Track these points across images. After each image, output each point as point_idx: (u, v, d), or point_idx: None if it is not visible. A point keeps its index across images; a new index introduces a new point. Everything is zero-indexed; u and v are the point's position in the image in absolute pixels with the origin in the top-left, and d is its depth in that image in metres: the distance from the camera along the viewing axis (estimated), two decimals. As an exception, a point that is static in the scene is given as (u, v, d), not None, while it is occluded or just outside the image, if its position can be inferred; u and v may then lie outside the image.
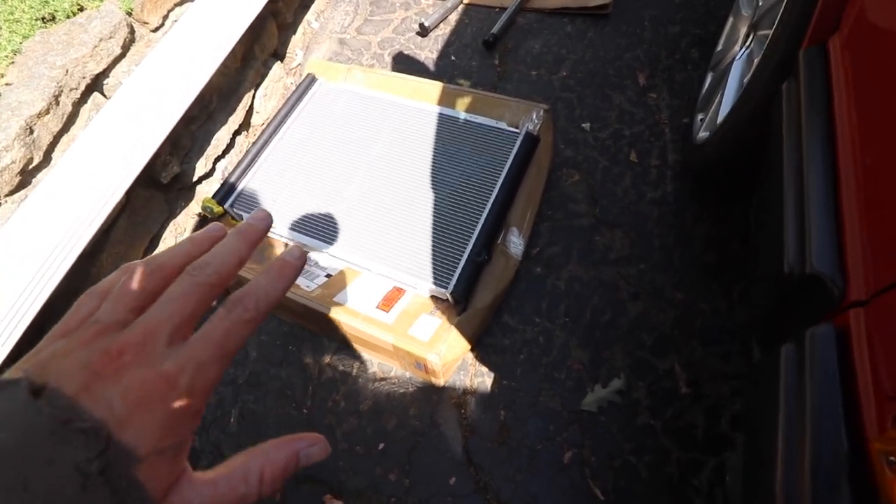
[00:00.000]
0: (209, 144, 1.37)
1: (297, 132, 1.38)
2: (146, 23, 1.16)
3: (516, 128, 1.30)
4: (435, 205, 1.20)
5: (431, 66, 1.72)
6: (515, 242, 1.22)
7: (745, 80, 0.98)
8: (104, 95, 1.10)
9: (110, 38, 1.07)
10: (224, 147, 1.43)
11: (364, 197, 1.25)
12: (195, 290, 0.20)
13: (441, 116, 1.33)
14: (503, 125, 1.28)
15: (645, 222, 1.32)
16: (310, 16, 1.89)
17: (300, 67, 1.79)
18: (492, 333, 1.18)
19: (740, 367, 1.11)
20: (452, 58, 1.73)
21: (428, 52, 1.76)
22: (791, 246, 0.62)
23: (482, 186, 1.21)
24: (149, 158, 1.06)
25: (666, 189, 1.36)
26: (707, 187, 1.33)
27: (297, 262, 0.22)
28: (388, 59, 1.75)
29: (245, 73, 1.50)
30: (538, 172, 1.27)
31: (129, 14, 1.13)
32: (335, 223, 1.22)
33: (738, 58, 1.12)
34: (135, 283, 0.20)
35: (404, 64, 1.74)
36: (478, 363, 1.15)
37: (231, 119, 1.45)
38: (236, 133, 1.49)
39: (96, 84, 1.08)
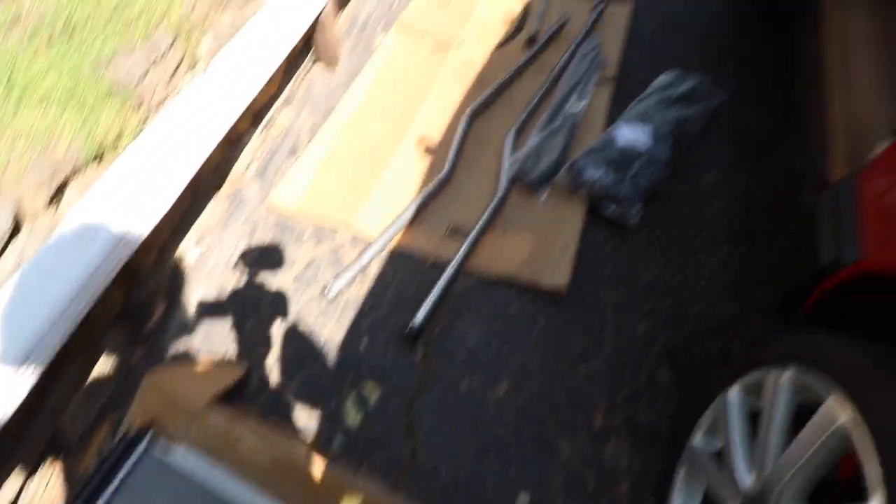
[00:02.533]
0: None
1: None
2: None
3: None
4: None
5: (333, 356, 1.30)
6: None
7: None
8: None
9: None
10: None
11: None
12: None
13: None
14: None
15: None
16: (187, 242, 1.45)
17: (157, 328, 1.33)
18: None
19: None
20: (364, 340, 1.32)
21: (334, 324, 1.35)
22: None
23: None
24: None
25: None
26: None
27: None
28: (278, 335, 1.33)
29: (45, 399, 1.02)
30: None
31: None
32: None
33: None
34: None
35: (296, 347, 1.31)
36: None
37: None
38: None
39: None
